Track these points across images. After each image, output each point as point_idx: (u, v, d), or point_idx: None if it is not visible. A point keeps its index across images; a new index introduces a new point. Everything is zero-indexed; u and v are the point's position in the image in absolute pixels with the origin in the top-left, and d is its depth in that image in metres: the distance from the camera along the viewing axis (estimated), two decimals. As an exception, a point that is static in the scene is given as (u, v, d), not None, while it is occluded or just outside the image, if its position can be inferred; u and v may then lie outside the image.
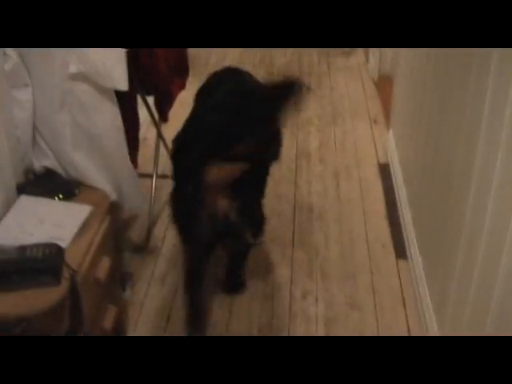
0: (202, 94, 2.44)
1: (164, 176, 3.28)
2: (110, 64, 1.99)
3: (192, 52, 4.60)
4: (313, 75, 4.63)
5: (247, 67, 4.56)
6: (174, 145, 2.19)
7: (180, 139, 2.16)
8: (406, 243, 2.80)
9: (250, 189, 2.10)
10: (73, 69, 1.99)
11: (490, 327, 1.58)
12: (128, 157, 2.27)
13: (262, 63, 4.88)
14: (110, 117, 2.15)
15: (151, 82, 2.51)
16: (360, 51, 5.09)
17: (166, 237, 2.93)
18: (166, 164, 3.29)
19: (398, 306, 2.53)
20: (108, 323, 2.11)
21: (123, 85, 2.04)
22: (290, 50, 5.16)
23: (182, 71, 2.86)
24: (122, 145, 2.23)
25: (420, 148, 2.66)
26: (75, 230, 1.98)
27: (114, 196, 2.29)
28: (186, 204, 2.13)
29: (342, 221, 3.04)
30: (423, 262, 2.47)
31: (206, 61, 4.93)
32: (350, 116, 4.03)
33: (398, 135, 3.31)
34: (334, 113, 4.07)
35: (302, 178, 3.39)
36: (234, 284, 2.61)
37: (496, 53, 1.60)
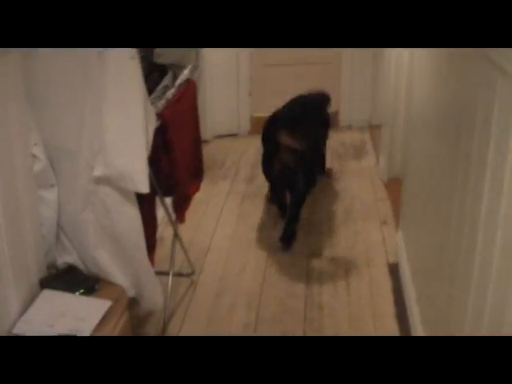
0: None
1: (180, 274, 3.42)
2: (133, 168, 2.16)
3: (208, 155, 4.86)
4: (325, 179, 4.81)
5: (261, 171, 4.81)
6: (264, 124, 4.07)
7: (268, 119, 4.04)
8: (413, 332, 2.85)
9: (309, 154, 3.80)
10: (97, 172, 2.16)
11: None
12: (147, 256, 2.40)
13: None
14: (130, 218, 2.30)
15: (170, 185, 2.67)
16: (371, 154, 5.29)
17: (181, 331, 3.00)
18: (181, 263, 3.43)
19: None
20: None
21: (144, 188, 2.20)
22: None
23: (197, 174, 3.03)
24: (141, 245, 2.36)
25: (426, 247, 2.76)
26: (95, 323, 2.08)
27: (132, 292, 2.41)
28: (268, 155, 3.93)
29: (352, 320, 3.10)
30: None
31: (222, 163, 5.14)
32: (361, 218, 4.15)
33: (407, 235, 3.42)
34: (345, 215, 4.20)
35: (314, 276, 3.48)
36: (287, 234, 3.81)
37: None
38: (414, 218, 3.23)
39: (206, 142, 5.53)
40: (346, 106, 5.90)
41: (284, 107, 4.10)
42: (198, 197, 4.17)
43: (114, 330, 2.12)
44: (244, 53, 5.56)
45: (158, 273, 3.38)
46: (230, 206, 4.39)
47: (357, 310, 3.18)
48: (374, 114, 5.81)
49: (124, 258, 2.33)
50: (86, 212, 2.25)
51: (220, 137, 5.71)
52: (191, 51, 3.19)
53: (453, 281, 2.16)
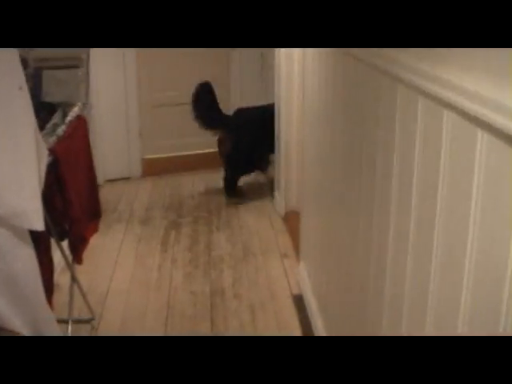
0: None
1: (79, 321, 3.23)
2: (26, 204, 2.02)
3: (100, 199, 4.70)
4: (221, 217, 4.77)
5: (156, 211, 4.70)
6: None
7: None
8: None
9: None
10: (-12, 213, 2.00)
11: None
12: (45, 299, 2.25)
13: (171, 206, 5.00)
14: (26, 259, 2.15)
15: (65, 225, 2.53)
16: (265, 191, 5.32)
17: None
18: (80, 309, 3.25)
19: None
20: None
21: (40, 225, 2.06)
22: (196, 191, 5.33)
23: (94, 215, 2.90)
24: (38, 287, 2.21)
25: (332, 276, 2.77)
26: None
27: (29, 333, 2.23)
28: None
29: (261, 353, 3.04)
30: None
31: (115, 206, 5.00)
32: (261, 252, 4.14)
33: (309, 266, 3.43)
34: (244, 250, 4.17)
35: (218, 314, 3.40)
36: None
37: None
38: (314, 248, 3.25)
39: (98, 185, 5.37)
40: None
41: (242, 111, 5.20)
42: (93, 242, 4.01)
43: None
44: (131, 94, 5.48)
45: (57, 321, 3.21)
46: (126, 248, 4.25)
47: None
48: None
49: (21, 303, 2.16)
50: (-23, 256, 2.07)
51: (112, 181, 5.55)
52: (81, 89, 3.07)
53: (363, 306, 2.17)
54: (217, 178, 5.43)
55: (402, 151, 1.65)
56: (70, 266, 2.91)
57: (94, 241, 4.07)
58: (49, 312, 2.29)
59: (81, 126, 2.78)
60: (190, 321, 3.36)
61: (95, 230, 2.94)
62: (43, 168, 2.15)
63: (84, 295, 3.27)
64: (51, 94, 3.14)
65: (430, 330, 1.47)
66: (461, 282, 1.27)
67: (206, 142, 5.58)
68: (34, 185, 2.04)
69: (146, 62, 5.47)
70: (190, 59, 5.54)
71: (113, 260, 4.05)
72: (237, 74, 5.76)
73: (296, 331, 3.23)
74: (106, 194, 5.21)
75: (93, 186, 2.91)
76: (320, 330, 2.99)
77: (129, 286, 3.73)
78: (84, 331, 3.25)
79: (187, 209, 4.96)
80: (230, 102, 5.72)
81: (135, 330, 3.26)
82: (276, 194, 4.92)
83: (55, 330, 2.34)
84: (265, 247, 4.22)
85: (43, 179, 2.14)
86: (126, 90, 5.45)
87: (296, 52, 4.25)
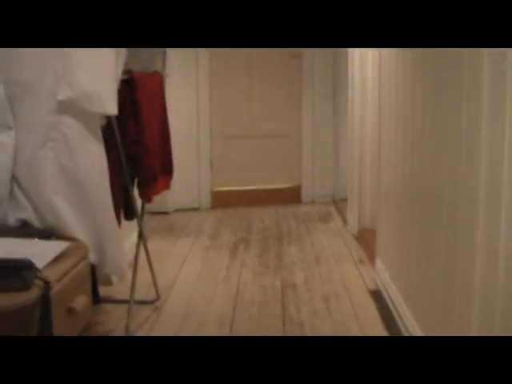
0: None
1: (143, 302, 3.12)
2: (100, 87, 1.96)
3: (168, 223, 4.67)
4: (292, 235, 4.60)
5: (225, 230, 4.58)
6: None
7: None
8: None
9: None
10: (61, 96, 1.94)
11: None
12: (112, 207, 2.12)
13: (240, 227, 4.86)
14: (95, 158, 2.06)
15: (136, 152, 2.44)
16: (337, 219, 5.14)
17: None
18: (144, 293, 3.12)
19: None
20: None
21: (113, 108, 1.99)
22: (266, 217, 5.19)
23: (167, 171, 2.81)
24: (106, 192, 2.10)
25: (413, 264, 2.58)
26: (51, 256, 1.77)
27: (93, 258, 2.10)
28: None
29: (337, 331, 2.80)
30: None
31: (184, 226, 4.91)
32: (334, 260, 3.92)
33: (387, 259, 3.21)
34: (317, 258, 3.97)
35: (290, 302, 3.18)
36: None
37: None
38: (393, 241, 3.06)
39: (166, 213, 5.33)
40: (308, 181, 5.81)
41: None
42: (160, 248, 3.94)
43: (73, 269, 1.80)
44: (204, 124, 5.51)
45: (119, 301, 3.08)
46: (194, 254, 4.12)
47: (341, 326, 2.87)
48: (337, 188, 5.75)
49: (85, 208, 2.05)
50: (45, 149, 1.99)
51: (181, 210, 5.49)
52: (157, 60, 3.07)
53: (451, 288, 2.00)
54: (288, 211, 5.33)
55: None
56: (143, 241, 2.81)
57: (162, 247, 4.01)
58: (114, 223, 2.16)
59: (158, 77, 2.75)
60: (259, 305, 3.14)
61: (167, 186, 2.84)
62: (121, 63, 2.09)
63: (153, 275, 3.13)
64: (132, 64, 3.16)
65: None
66: None
67: (277, 177, 5.54)
68: (110, 70, 1.99)
69: (218, 92, 5.52)
70: (261, 89, 5.58)
71: (180, 261, 3.91)
72: (309, 108, 5.72)
73: (374, 316, 2.97)
74: (174, 219, 5.16)
75: (166, 143, 2.84)
76: (406, 315, 2.74)
77: (196, 280, 3.57)
78: (148, 310, 3.08)
79: (256, 230, 4.81)
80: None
81: (201, 310, 3.06)
82: (348, 215, 4.73)
83: (118, 246, 2.19)
84: (338, 256, 4.00)
85: (119, 74, 2.08)
86: (197, 120, 5.48)
87: (370, 63, 4.19)
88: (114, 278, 3.32)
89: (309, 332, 2.78)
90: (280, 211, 5.43)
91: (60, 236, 2.00)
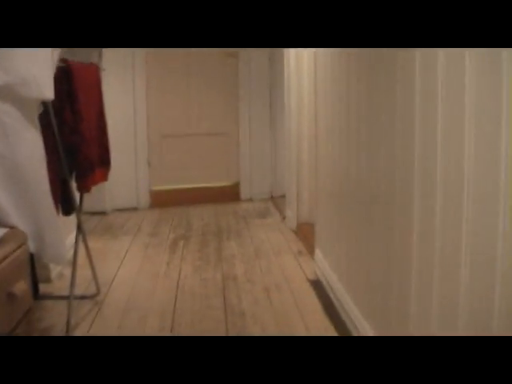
0: None
1: (84, 297, 3.10)
2: (37, 71, 1.94)
3: (106, 222, 4.63)
4: (232, 231, 4.62)
5: (164, 228, 4.57)
6: None
7: None
8: (349, 323, 2.63)
9: None
10: (-2, 81, 1.91)
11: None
12: (50, 195, 2.10)
13: (180, 225, 4.85)
14: (32, 146, 2.03)
15: (73, 140, 2.42)
16: (275, 213, 5.20)
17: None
18: (84, 289, 3.09)
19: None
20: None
21: (50, 93, 1.97)
22: (206, 215, 5.20)
23: (104, 162, 2.80)
24: (43, 180, 2.08)
25: (352, 251, 2.65)
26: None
27: (32, 247, 2.07)
28: None
29: (278, 319, 2.84)
30: (375, 328, 2.31)
31: (122, 225, 4.86)
32: (274, 253, 3.97)
33: (325, 249, 3.28)
34: (256, 251, 4.00)
35: (231, 293, 3.20)
36: None
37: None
38: (331, 231, 3.13)
39: (104, 213, 5.27)
40: (246, 179, 5.85)
41: None
42: (98, 246, 3.90)
43: (12, 254, 1.77)
44: (141, 123, 5.48)
45: (59, 297, 3.04)
46: (133, 251, 4.09)
47: (282, 314, 2.91)
48: (275, 186, 5.81)
49: (23, 197, 2.01)
50: (-18, 136, 1.95)
51: (119, 210, 5.44)
52: (94, 50, 3.05)
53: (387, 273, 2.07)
54: (227, 209, 5.37)
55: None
56: (83, 235, 2.78)
57: (101, 246, 3.97)
58: (53, 212, 2.14)
59: (94, 69, 2.74)
60: (201, 297, 3.15)
61: (104, 177, 2.82)
62: (56, 53, 2.07)
63: (93, 269, 3.11)
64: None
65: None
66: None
67: (215, 175, 5.58)
68: (46, 56, 1.97)
69: (155, 91, 5.50)
70: (198, 88, 5.60)
71: (120, 259, 3.88)
72: (245, 106, 5.77)
73: (315, 303, 3.03)
74: (113, 219, 5.11)
75: (103, 134, 2.82)
76: (346, 302, 2.80)
77: (136, 275, 3.55)
78: (88, 305, 3.05)
79: (196, 227, 4.81)
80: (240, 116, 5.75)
81: (142, 304, 3.05)
82: (287, 210, 4.80)
83: (58, 233, 2.17)
84: (277, 249, 4.05)
85: (55, 61, 2.06)
86: (134, 120, 5.44)
87: (306, 62, 4.27)
88: (53, 274, 3.29)
89: (250, 321, 2.81)
90: (219, 209, 5.46)
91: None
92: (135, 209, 5.53)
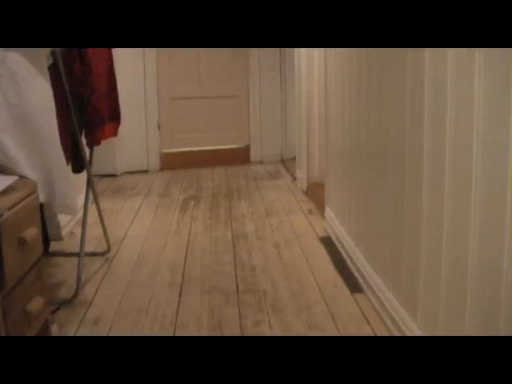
0: None
1: (94, 254, 3.12)
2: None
3: (117, 184, 4.64)
4: (242, 191, 4.62)
5: (175, 189, 4.57)
6: None
7: None
8: (360, 278, 2.63)
9: None
10: (5, 29, 1.89)
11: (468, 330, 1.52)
12: (59, 144, 2.10)
13: (190, 186, 4.86)
14: (41, 93, 2.02)
15: (83, 92, 2.41)
16: (286, 174, 5.20)
17: (97, 295, 2.64)
18: (94, 247, 3.10)
19: (361, 324, 2.29)
20: (33, 307, 1.78)
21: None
22: (216, 177, 5.20)
23: (114, 117, 2.79)
24: (53, 129, 2.07)
25: (364, 209, 2.65)
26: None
27: (42, 197, 2.07)
28: None
29: (288, 274, 2.84)
30: (385, 282, 2.31)
31: (133, 187, 4.87)
32: (284, 212, 3.97)
33: (337, 207, 3.28)
34: (267, 211, 4.00)
35: (241, 250, 3.21)
36: None
37: None
38: (342, 188, 3.12)
39: (114, 176, 5.28)
40: (256, 141, 5.83)
41: None
42: (109, 206, 3.92)
43: (22, 201, 1.77)
44: (151, 86, 5.45)
45: (70, 254, 3.06)
46: (144, 211, 4.11)
47: (292, 268, 2.92)
48: (285, 148, 5.80)
49: (33, 146, 2.00)
50: (-9, 85, 1.94)
51: (129, 172, 5.45)
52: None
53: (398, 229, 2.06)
54: (237, 171, 5.37)
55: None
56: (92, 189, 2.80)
57: (111, 206, 3.98)
58: (63, 162, 2.14)
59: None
60: (211, 253, 3.17)
61: (114, 132, 2.82)
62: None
63: (104, 227, 3.12)
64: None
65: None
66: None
67: (225, 137, 5.57)
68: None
69: (165, 54, 5.47)
70: (208, 50, 5.55)
71: (130, 218, 3.90)
72: (255, 68, 5.72)
73: (324, 258, 3.04)
74: (123, 181, 5.12)
75: (113, 90, 2.81)
76: (357, 257, 2.80)
77: (147, 233, 3.56)
78: (99, 262, 3.06)
79: (206, 188, 4.82)
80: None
81: (152, 260, 3.07)
82: (297, 171, 4.79)
83: (68, 184, 2.17)
84: (287, 209, 4.05)
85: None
86: (144, 82, 5.42)
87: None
88: (64, 232, 3.31)
89: (260, 276, 2.82)
90: (229, 171, 5.45)
91: (7, 174, 1.97)
92: (145, 171, 5.54)
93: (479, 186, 1.42)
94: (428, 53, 1.72)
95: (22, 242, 1.71)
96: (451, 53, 1.55)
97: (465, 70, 1.48)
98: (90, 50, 2.41)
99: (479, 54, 1.38)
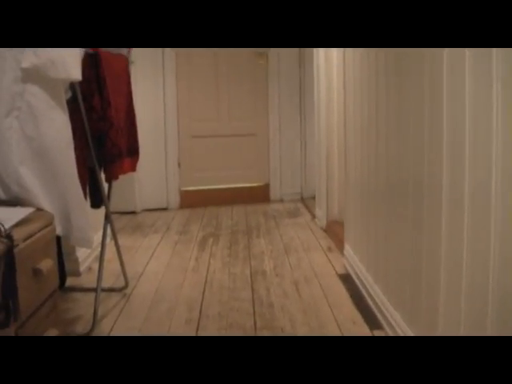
0: None
1: (112, 289, 3.12)
2: (65, 53, 1.95)
3: (136, 222, 4.65)
4: (261, 229, 4.60)
5: (194, 226, 4.56)
6: None
7: None
8: (379, 314, 2.58)
9: None
10: (26, 63, 1.92)
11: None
12: (76, 177, 2.11)
13: (209, 224, 4.84)
14: (60, 127, 2.04)
15: (101, 127, 2.43)
16: (305, 213, 5.17)
17: (113, 330, 2.62)
18: (113, 282, 3.09)
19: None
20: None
21: (76, 74, 1.98)
22: (235, 215, 5.19)
23: (133, 152, 2.80)
24: (71, 162, 2.08)
25: (382, 245, 2.61)
26: (17, 219, 1.75)
27: (59, 229, 2.07)
28: None
29: (307, 311, 2.80)
30: (404, 318, 2.26)
31: (152, 224, 4.87)
32: (303, 249, 3.93)
33: (357, 243, 3.24)
34: (286, 248, 3.97)
35: (260, 287, 3.17)
36: None
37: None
38: (361, 226, 3.09)
39: (134, 213, 5.30)
40: (276, 179, 5.83)
41: None
42: (128, 243, 3.92)
43: (38, 233, 1.78)
44: (171, 123, 5.50)
45: (87, 289, 3.05)
46: (163, 247, 4.10)
47: (310, 304, 2.88)
48: (305, 187, 5.78)
49: (50, 178, 2.01)
50: (10, 118, 1.95)
51: (149, 210, 5.46)
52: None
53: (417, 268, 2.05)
54: (257, 209, 5.36)
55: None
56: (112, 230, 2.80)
57: (130, 243, 3.98)
58: (80, 195, 2.14)
59: (123, 59, 2.75)
60: (229, 290, 3.13)
61: (133, 167, 2.82)
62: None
63: (122, 262, 3.11)
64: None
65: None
66: None
67: (245, 176, 5.59)
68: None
69: (185, 91, 5.53)
70: (228, 89, 5.61)
71: (149, 255, 3.89)
72: (275, 106, 5.75)
73: (343, 295, 2.99)
74: (142, 218, 5.13)
75: (132, 125, 2.83)
76: (376, 293, 2.76)
77: (165, 270, 3.55)
78: (116, 297, 3.05)
79: (225, 226, 4.80)
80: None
81: (170, 296, 3.04)
82: (317, 209, 4.76)
83: (84, 216, 2.17)
84: (306, 246, 4.02)
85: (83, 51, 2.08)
86: (165, 120, 5.47)
87: (335, 62, 4.23)
88: (82, 268, 3.31)
89: (278, 313, 2.78)
90: (249, 209, 5.44)
91: (25, 205, 1.98)
92: (165, 209, 5.55)
93: (498, 218, 1.39)
94: (446, 86, 1.71)
95: (37, 273, 1.71)
96: (468, 86, 1.53)
97: (482, 106, 1.46)
98: (110, 84, 2.44)
99: (496, 83, 1.37)
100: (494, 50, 1.35)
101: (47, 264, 1.77)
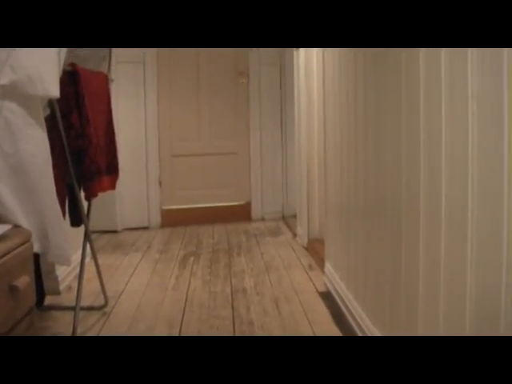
0: None
1: (91, 308, 3.10)
2: (43, 70, 1.95)
3: (117, 240, 4.63)
4: (242, 248, 4.60)
5: (174, 245, 4.55)
6: None
7: None
8: (359, 331, 2.59)
9: None
10: (3, 80, 1.91)
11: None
12: (55, 195, 2.10)
13: (190, 243, 4.84)
14: (38, 144, 2.03)
15: (80, 144, 2.43)
16: (287, 231, 5.18)
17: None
18: (92, 301, 3.07)
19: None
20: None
21: (55, 91, 1.98)
22: (216, 233, 5.19)
23: (112, 170, 2.80)
24: (49, 179, 2.07)
25: (362, 263, 2.63)
26: (-9, 235, 1.73)
27: (36, 246, 2.06)
28: None
29: (287, 328, 2.80)
30: (384, 334, 2.28)
31: (133, 243, 4.85)
32: (284, 267, 3.94)
33: (337, 261, 3.25)
34: (266, 266, 3.97)
35: (240, 305, 3.17)
36: None
37: None
38: (341, 243, 3.11)
39: (115, 232, 5.27)
40: (257, 198, 5.84)
41: None
42: (108, 262, 3.91)
43: (15, 250, 1.76)
44: (152, 143, 5.51)
45: (66, 308, 3.03)
46: (143, 266, 4.08)
47: (290, 323, 2.87)
48: (286, 206, 5.80)
49: (28, 195, 2.00)
50: (-13, 135, 1.96)
51: (130, 229, 5.44)
52: (103, 66, 3.07)
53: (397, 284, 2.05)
54: (238, 228, 5.35)
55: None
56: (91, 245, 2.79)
57: (110, 261, 3.96)
58: (58, 212, 2.13)
59: (102, 77, 2.76)
60: (209, 308, 3.13)
61: (112, 185, 2.82)
62: (63, 50, 2.09)
63: (101, 280, 3.09)
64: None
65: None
66: None
67: (226, 195, 5.59)
68: (52, 55, 1.98)
69: (166, 110, 5.54)
70: (209, 108, 5.63)
71: (129, 273, 3.87)
72: (256, 125, 5.78)
73: (323, 312, 2.99)
74: (123, 237, 5.11)
75: (111, 143, 2.83)
76: (356, 310, 2.77)
77: (145, 288, 3.53)
78: (96, 315, 3.03)
79: (206, 244, 4.79)
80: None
81: (150, 314, 3.03)
82: (298, 228, 4.78)
83: (63, 234, 2.16)
84: (287, 264, 4.02)
85: (62, 61, 2.08)
86: (146, 139, 5.47)
87: (315, 79, 4.27)
88: (62, 287, 3.28)
89: (258, 330, 2.78)
90: (230, 228, 5.44)
91: (2, 222, 1.96)
92: (146, 228, 5.53)
93: (474, 237, 1.40)
94: (422, 101, 1.73)
95: (13, 290, 1.70)
96: (444, 107, 1.56)
97: (458, 130, 1.49)
98: (88, 102, 2.44)
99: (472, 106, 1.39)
100: (469, 66, 1.37)
101: (24, 281, 1.75)
